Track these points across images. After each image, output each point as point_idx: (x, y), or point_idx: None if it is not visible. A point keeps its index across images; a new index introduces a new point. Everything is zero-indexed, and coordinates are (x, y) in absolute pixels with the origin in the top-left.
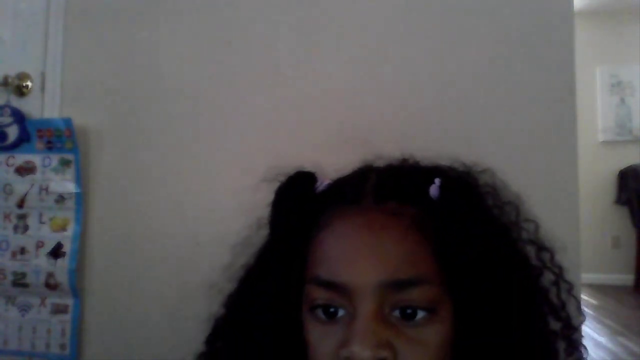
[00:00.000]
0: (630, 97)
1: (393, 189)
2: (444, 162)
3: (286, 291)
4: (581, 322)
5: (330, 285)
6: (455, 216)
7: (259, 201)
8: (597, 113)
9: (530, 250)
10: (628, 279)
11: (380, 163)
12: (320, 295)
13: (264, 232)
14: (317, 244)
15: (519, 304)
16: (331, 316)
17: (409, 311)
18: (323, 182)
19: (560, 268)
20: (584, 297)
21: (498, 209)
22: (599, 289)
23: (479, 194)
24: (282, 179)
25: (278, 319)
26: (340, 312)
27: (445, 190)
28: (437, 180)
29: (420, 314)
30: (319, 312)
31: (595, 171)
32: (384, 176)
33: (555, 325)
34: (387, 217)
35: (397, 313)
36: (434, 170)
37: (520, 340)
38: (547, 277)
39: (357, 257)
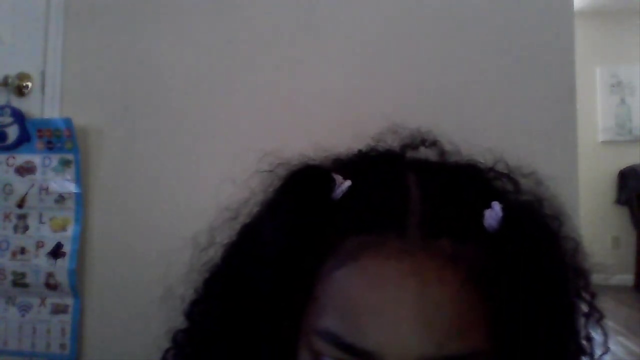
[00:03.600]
0: (630, 97)
1: (448, 220)
2: (476, 157)
3: (268, 325)
4: (604, 353)
5: (352, 350)
6: (526, 267)
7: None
8: (597, 113)
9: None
10: (628, 279)
11: (397, 144)
12: (331, 354)
13: (232, 226)
14: (333, 281)
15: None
16: None
17: None
18: (342, 185)
19: (593, 295)
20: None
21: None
22: (599, 289)
23: (551, 230)
24: (283, 172)
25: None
26: None
27: (510, 224)
28: (496, 207)
29: None
30: None
31: (595, 171)
32: (432, 193)
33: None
34: (441, 264)
35: None
36: (486, 184)
37: None
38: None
39: (398, 318)
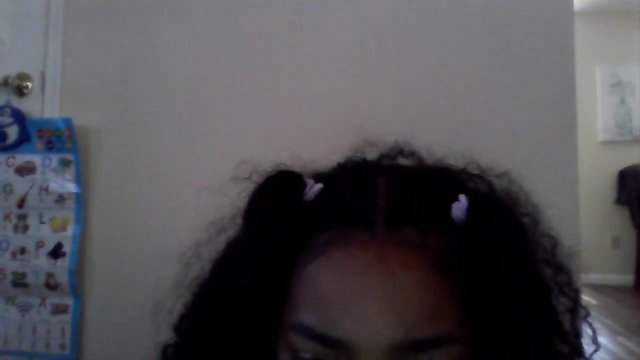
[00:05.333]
0: (630, 97)
1: (413, 212)
2: (452, 161)
3: (252, 327)
4: (595, 351)
5: (325, 341)
6: (493, 252)
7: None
8: (597, 113)
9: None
10: (628, 279)
11: (375, 155)
12: (307, 348)
13: (224, 236)
14: (305, 277)
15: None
16: None
17: None
18: (313, 187)
19: (577, 292)
20: (584, 297)
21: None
22: (599, 289)
23: (517, 218)
24: (258, 179)
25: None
26: None
27: (477, 215)
28: (462, 198)
29: None
30: None
31: (595, 171)
32: (399, 190)
33: (561, 347)
34: (406, 251)
35: None
36: (456, 182)
37: None
38: (562, 301)
39: (366, 306)
